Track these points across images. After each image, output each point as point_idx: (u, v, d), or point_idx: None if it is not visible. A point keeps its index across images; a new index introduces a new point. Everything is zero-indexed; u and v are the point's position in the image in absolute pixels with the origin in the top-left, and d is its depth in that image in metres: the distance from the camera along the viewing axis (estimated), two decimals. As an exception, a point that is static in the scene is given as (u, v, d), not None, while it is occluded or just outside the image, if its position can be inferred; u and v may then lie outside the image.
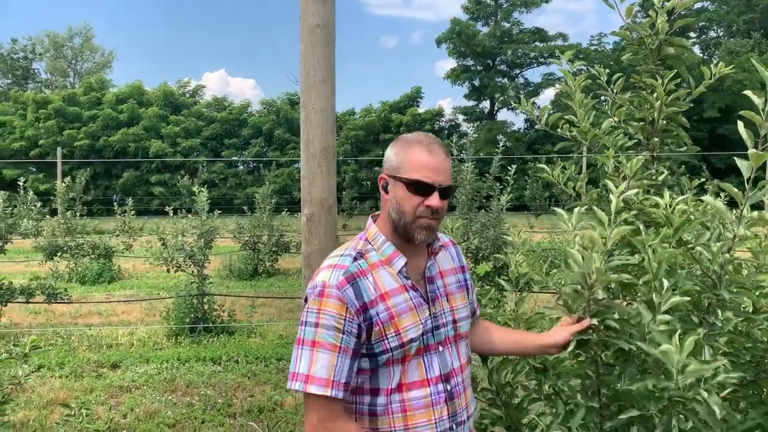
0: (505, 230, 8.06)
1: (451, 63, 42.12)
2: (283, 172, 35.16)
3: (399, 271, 1.60)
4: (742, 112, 1.65)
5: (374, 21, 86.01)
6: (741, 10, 46.69)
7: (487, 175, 8.54)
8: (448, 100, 60.43)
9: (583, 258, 1.60)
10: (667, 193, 1.74)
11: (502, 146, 8.77)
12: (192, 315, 7.04)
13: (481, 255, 7.84)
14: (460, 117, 41.03)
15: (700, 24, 46.07)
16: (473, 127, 39.98)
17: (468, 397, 1.69)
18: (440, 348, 1.63)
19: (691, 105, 2.06)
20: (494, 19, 40.35)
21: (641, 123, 2.12)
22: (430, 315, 1.62)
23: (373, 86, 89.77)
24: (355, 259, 1.59)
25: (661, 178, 2.03)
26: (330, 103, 2.56)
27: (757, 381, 1.76)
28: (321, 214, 2.55)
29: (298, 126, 2.55)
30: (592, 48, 39.41)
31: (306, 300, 1.58)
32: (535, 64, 41.08)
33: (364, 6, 78.72)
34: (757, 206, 1.80)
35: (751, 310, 1.81)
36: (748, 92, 1.66)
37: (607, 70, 2.23)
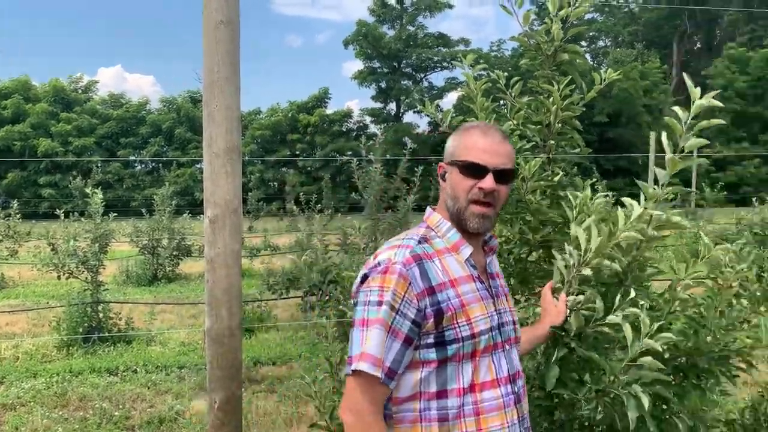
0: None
1: (359, 64, 42.33)
2: (184, 172, 34.02)
3: (466, 260, 1.52)
4: (666, 119, 1.76)
5: (280, 19, 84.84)
6: (626, 22, 50.32)
7: (394, 176, 8.66)
8: (356, 101, 60.73)
9: (588, 237, 1.71)
10: (588, 189, 1.85)
11: (410, 149, 8.92)
12: (86, 324, 6.63)
13: (388, 255, 7.93)
14: (368, 118, 41.39)
15: (591, 34, 49.21)
16: (381, 128, 40.42)
17: (526, 404, 1.61)
18: (506, 347, 1.55)
19: (584, 109, 2.18)
20: (400, 22, 40.99)
21: (538, 126, 2.22)
22: (495, 310, 1.54)
23: (279, 86, 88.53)
24: (419, 242, 1.50)
25: (556, 178, 2.14)
26: (234, 101, 2.50)
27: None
28: (225, 216, 2.48)
29: (201, 124, 2.47)
30: (493, 54, 40.99)
31: (363, 280, 1.48)
32: (439, 68, 42.17)
33: (270, 4, 77.46)
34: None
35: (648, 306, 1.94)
36: (676, 108, 1.78)
37: (506, 75, 2.31)
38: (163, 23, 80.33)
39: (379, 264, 1.46)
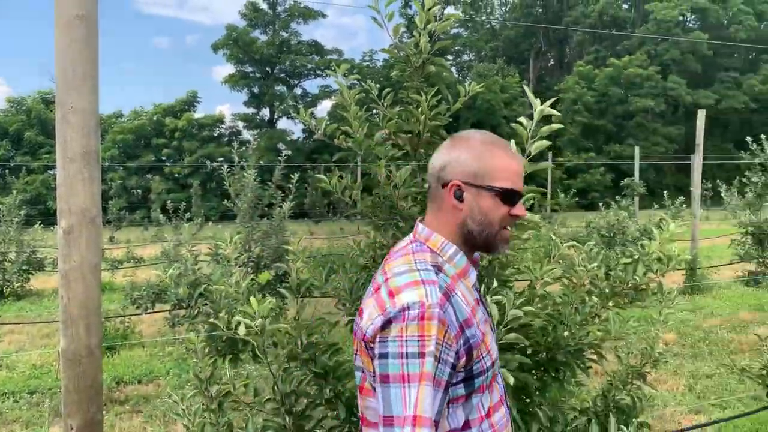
0: (286, 238, 8.10)
1: (230, 68, 41.09)
2: (35, 179, 31.19)
3: (473, 284, 1.45)
4: (514, 125, 1.88)
5: (144, 19, 79.90)
6: (488, 38, 53.48)
7: (269, 183, 8.52)
8: (227, 106, 58.87)
9: None
10: None
11: (285, 155, 8.83)
12: None
13: (263, 264, 7.78)
14: (241, 124, 40.39)
15: (456, 48, 51.74)
16: (254, 134, 39.60)
17: None
18: (499, 363, 1.54)
19: (450, 119, 2.28)
20: (273, 27, 40.48)
21: (409, 135, 2.28)
22: (493, 329, 1.52)
23: (144, 88, 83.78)
24: (436, 273, 1.34)
25: (426, 185, 2.21)
26: (92, 103, 2.32)
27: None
28: (82, 226, 2.29)
29: (54, 127, 2.27)
30: (365, 64, 41.71)
31: (386, 326, 1.27)
32: (313, 76, 42.13)
33: (134, 3, 72.90)
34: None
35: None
36: (522, 119, 1.91)
37: (378, 85, 2.37)
38: (11, 15, 73.12)
39: (408, 307, 1.26)
